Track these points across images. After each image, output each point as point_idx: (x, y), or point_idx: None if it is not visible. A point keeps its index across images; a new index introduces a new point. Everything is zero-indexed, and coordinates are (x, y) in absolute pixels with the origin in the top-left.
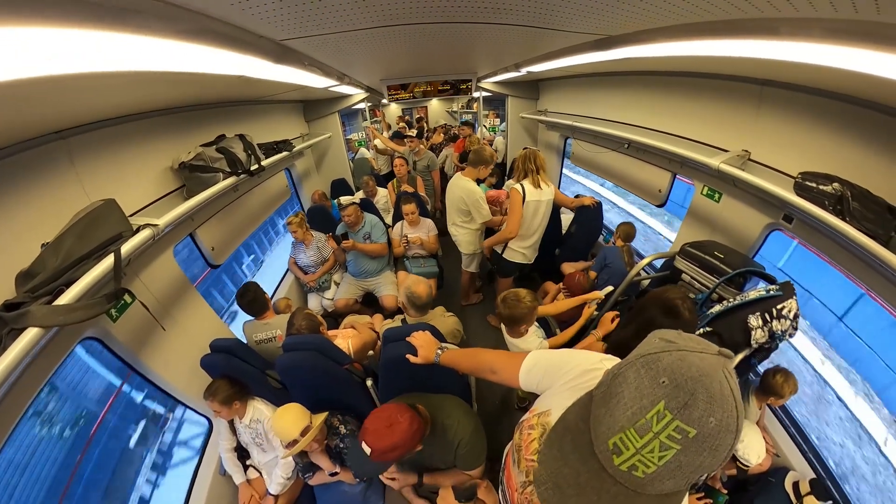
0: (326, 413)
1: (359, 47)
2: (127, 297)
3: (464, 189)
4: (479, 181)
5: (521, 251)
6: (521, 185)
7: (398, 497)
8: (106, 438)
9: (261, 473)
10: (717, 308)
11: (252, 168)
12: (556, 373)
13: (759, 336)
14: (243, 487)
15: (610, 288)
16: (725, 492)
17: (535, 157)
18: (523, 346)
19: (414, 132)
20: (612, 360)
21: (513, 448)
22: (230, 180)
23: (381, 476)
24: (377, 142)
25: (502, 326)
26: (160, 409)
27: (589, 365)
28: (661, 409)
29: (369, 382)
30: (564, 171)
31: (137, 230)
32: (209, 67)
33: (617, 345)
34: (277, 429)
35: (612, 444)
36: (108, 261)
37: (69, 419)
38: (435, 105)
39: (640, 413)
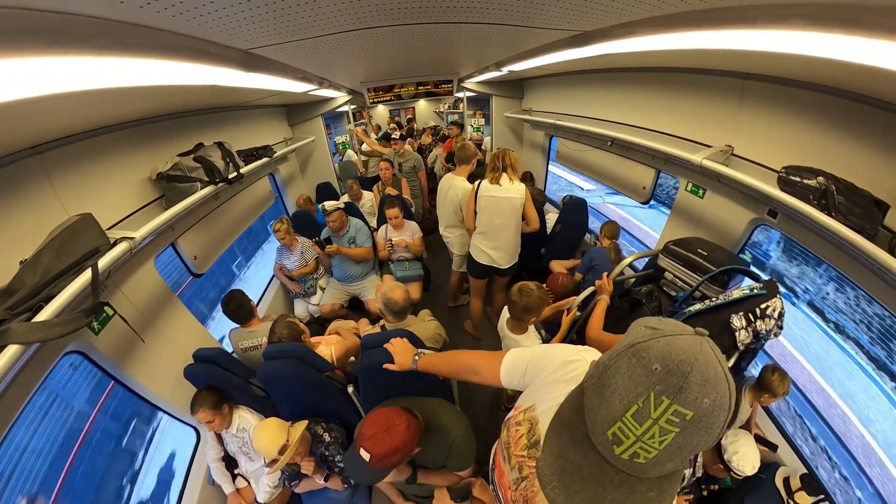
0: (306, 423)
1: (333, 51)
2: (108, 310)
3: (464, 190)
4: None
5: (484, 251)
6: (480, 181)
7: (385, 501)
8: (91, 452)
9: (249, 482)
10: (697, 306)
11: (230, 176)
12: (536, 367)
13: (743, 337)
14: (232, 497)
15: (593, 288)
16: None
17: (503, 156)
18: (525, 344)
19: (398, 134)
20: (590, 352)
21: (501, 446)
22: (208, 189)
23: None
24: (363, 145)
25: (503, 323)
26: (146, 421)
27: (569, 356)
28: (657, 395)
29: (350, 389)
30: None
31: (115, 244)
32: (177, 80)
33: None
34: (257, 447)
35: (611, 435)
36: (87, 275)
37: (54, 430)
38: (422, 106)
39: (637, 401)
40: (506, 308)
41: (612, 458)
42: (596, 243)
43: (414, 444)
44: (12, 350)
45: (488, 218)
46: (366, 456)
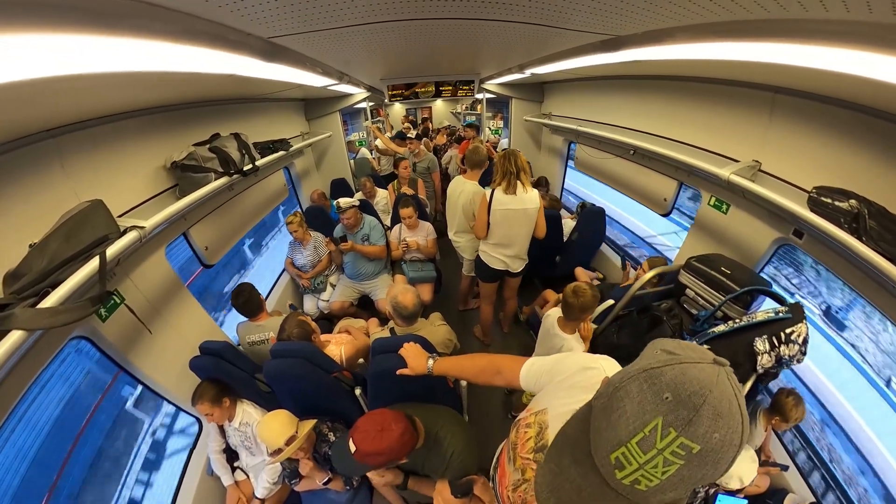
0: (314, 421)
1: (355, 44)
2: (116, 298)
3: (475, 194)
4: None
5: (499, 258)
6: (493, 189)
7: None
8: (93, 436)
9: (248, 476)
10: (721, 328)
11: (245, 168)
12: (553, 370)
13: (765, 361)
14: (231, 490)
15: (610, 301)
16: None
17: (514, 159)
18: (575, 344)
19: (413, 134)
20: (608, 360)
21: (508, 445)
22: (222, 180)
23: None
24: (378, 142)
25: (553, 322)
26: (150, 409)
27: (587, 363)
28: (664, 425)
29: (358, 391)
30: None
31: (124, 232)
32: (195, 67)
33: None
34: (263, 436)
35: (614, 459)
36: (94, 263)
37: (56, 415)
38: (439, 106)
39: (643, 428)
40: (554, 309)
41: (613, 483)
42: (626, 270)
43: (401, 453)
44: (16, 336)
45: (505, 230)
46: (352, 447)
